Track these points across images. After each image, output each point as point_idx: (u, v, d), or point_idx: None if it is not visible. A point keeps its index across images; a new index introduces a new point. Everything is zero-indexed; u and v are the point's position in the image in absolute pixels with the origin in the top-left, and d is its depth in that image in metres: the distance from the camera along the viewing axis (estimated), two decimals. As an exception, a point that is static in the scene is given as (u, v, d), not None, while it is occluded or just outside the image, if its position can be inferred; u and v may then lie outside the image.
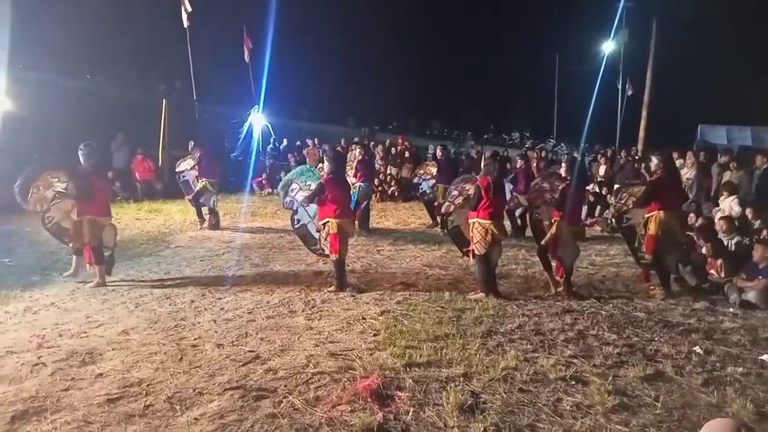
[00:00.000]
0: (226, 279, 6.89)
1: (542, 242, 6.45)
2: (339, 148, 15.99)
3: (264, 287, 6.50)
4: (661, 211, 6.29)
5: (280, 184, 7.17)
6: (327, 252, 6.45)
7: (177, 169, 10.78)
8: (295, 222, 6.90)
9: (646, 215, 6.43)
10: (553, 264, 6.48)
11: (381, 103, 34.00)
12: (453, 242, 7.18)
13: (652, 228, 6.30)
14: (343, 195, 6.54)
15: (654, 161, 6.73)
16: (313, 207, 6.63)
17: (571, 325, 5.25)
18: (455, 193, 6.82)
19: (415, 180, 11.50)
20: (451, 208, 6.81)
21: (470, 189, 6.46)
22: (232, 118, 19.02)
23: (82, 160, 6.62)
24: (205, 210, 10.34)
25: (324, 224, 6.38)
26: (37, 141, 12.96)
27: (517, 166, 11.71)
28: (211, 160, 10.54)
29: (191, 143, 10.73)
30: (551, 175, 6.95)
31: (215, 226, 10.30)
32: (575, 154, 11.26)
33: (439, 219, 9.25)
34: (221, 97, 22.04)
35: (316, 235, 6.69)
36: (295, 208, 6.84)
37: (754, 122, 19.14)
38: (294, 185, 6.86)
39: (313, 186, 6.54)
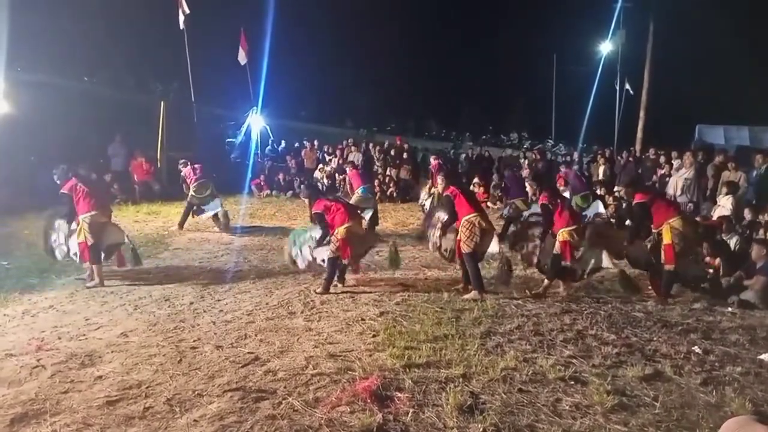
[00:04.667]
0: (225, 281, 6.88)
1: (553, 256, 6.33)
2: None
3: (263, 289, 6.50)
4: (670, 220, 6.00)
5: (288, 257, 6.91)
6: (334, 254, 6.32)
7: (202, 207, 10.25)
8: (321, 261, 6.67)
9: (655, 230, 6.17)
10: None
11: (379, 105, 34.07)
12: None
13: (667, 238, 5.97)
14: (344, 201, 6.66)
15: (623, 192, 7.07)
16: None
17: (570, 325, 5.25)
18: (433, 230, 6.77)
19: (420, 203, 11.47)
20: (440, 242, 6.70)
21: (443, 216, 6.54)
22: (230, 119, 19.04)
23: (57, 181, 6.74)
24: (210, 214, 10.13)
25: (334, 235, 6.27)
26: (34, 143, 12.97)
27: (506, 174, 11.77)
28: (199, 163, 10.34)
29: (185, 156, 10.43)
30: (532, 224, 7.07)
31: (225, 226, 10.13)
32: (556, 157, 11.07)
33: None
34: (219, 99, 22.05)
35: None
36: (319, 261, 6.62)
37: (752, 122, 19.22)
38: (296, 251, 6.74)
39: (317, 233, 6.50)
